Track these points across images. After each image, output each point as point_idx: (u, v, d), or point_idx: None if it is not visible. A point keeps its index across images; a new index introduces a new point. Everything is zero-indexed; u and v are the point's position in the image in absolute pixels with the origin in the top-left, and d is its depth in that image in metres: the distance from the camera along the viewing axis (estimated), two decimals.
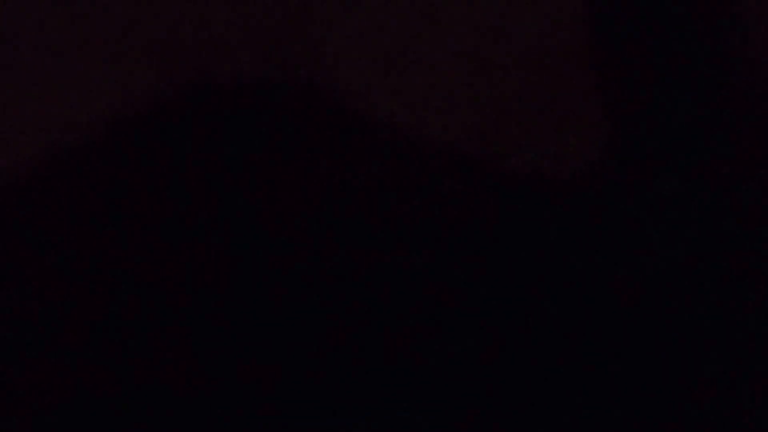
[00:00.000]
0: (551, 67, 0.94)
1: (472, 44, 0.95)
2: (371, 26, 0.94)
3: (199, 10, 0.93)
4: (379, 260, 0.91)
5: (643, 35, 0.95)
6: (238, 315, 0.90)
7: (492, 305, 0.92)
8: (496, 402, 0.91)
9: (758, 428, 0.90)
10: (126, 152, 0.91)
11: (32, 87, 0.91)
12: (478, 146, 0.93)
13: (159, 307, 0.89)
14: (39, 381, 0.88)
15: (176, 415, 0.89)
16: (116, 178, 0.90)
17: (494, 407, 0.91)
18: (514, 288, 0.92)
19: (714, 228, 0.93)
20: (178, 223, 0.90)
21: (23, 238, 0.90)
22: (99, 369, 0.89)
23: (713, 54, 0.95)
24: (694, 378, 0.91)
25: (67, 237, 0.90)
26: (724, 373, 0.91)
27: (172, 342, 0.89)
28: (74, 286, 0.89)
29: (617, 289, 0.92)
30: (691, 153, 0.94)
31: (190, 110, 0.91)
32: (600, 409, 0.91)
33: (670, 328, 0.92)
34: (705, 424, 0.91)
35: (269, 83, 0.92)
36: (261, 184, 0.91)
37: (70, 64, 0.91)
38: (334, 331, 0.90)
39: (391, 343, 0.91)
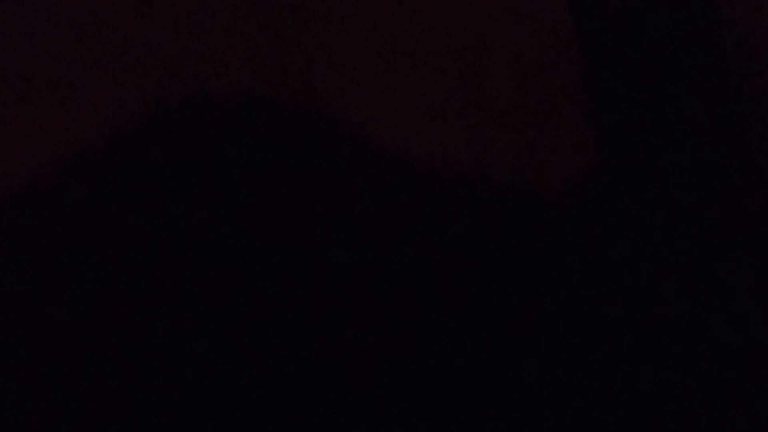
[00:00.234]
0: (542, 79, 0.96)
1: (462, 56, 0.96)
2: (363, 40, 0.95)
3: (195, 24, 0.94)
4: (368, 272, 0.91)
5: (633, 45, 0.96)
6: (232, 326, 0.90)
7: (485, 318, 0.92)
8: (485, 419, 0.91)
9: (758, 428, 0.90)
10: (122, 164, 0.91)
11: (29, 100, 0.92)
12: (470, 158, 0.94)
13: (153, 318, 0.90)
14: (39, 381, 0.88)
15: (176, 414, 0.89)
16: (112, 190, 0.91)
17: (485, 422, 0.91)
18: (507, 299, 0.92)
19: (705, 237, 0.94)
20: (173, 234, 0.91)
21: (21, 247, 0.90)
22: (99, 372, 0.89)
23: (705, 61, 0.96)
24: (693, 382, 0.91)
25: (63, 249, 0.90)
26: (723, 374, 0.91)
27: (169, 346, 0.89)
28: (70, 295, 0.90)
29: (611, 299, 0.93)
30: (683, 161, 0.95)
31: (185, 123, 0.92)
32: (594, 415, 0.91)
33: (664, 333, 0.92)
34: (705, 423, 0.90)
35: (263, 96, 0.93)
36: (256, 196, 0.92)
37: (67, 78, 0.92)
38: (321, 353, 0.91)
39: (382, 355, 0.91)
